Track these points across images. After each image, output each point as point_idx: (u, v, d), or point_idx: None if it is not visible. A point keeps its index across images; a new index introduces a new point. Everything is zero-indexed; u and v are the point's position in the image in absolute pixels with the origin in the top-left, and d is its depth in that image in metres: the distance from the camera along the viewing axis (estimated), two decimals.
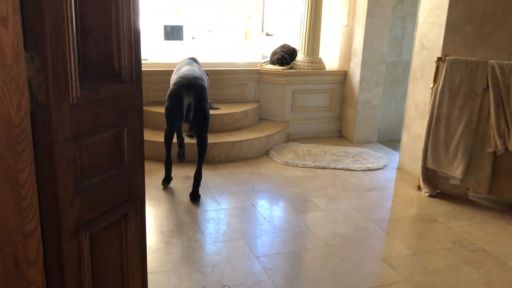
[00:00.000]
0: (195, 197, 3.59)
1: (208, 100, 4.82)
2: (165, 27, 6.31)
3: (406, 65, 5.50)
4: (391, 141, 5.58)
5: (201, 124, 3.54)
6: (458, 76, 3.62)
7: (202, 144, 3.59)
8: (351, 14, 5.13)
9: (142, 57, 5.21)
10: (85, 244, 1.40)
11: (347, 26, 5.22)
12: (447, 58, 3.66)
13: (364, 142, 5.25)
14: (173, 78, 3.74)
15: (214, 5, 7.22)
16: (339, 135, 5.47)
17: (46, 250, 1.28)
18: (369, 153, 4.84)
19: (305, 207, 3.59)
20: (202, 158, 3.59)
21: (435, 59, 3.75)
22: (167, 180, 3.80)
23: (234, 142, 4.50)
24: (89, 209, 1.41)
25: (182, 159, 4.15)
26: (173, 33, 6.35)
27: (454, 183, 3.74)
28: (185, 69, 3.79)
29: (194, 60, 4.20)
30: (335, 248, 2.99)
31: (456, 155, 3.67)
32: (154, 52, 5.08)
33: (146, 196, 3.52)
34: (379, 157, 4.74)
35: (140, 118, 1.55)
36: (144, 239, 1.69)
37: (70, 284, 1.38)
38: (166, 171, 3.79)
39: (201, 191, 3.64)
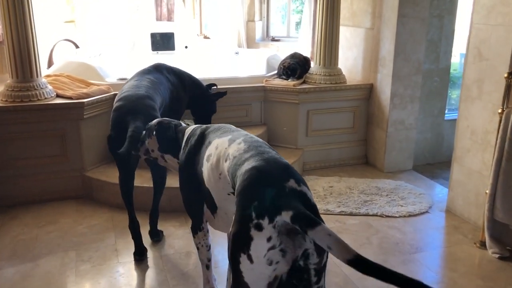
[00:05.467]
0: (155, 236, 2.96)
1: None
2: (153, 35, 5.33)
3: (444, 74, 4.50)
4: (428, 165, 4.60)
5: None
6: None
7: (161, 180, 2.88)
8: (377, 14, 4.15)
9: (121, 76, 4.10)
10: None
11: (372, 29, 4.23)
12: None
13: (397, 171, 4.27)
14: (115, 100, 2.78)
15: (211, 7, 6.26)
16: (365, 161, 4.50)
17: None
18: (407, 188, 3.85)
19: (333, 285, 2.63)
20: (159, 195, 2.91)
21: (505, 75, 2.76)
22: (138, 252, 2.71)
23: None
24: None
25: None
26: (162, 42, 5.39)
27: None
28: (127, 87, 2.85)
29: (156, 68, 3.21)
30: None
31: None
32: (139, 68, 4.11)
33: (116, 271, 2.63)
34: (420, 194, 3.75)
35: None
36: None
37: None
38: (134, 239, 2.72)
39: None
